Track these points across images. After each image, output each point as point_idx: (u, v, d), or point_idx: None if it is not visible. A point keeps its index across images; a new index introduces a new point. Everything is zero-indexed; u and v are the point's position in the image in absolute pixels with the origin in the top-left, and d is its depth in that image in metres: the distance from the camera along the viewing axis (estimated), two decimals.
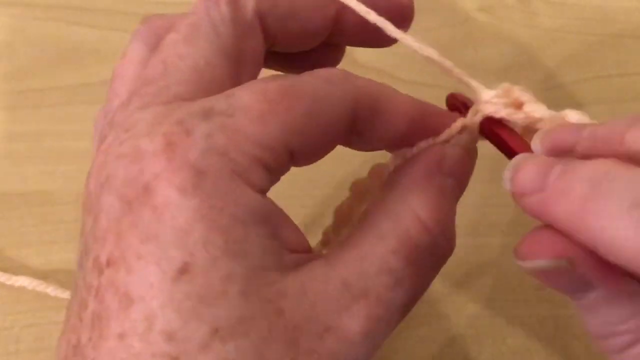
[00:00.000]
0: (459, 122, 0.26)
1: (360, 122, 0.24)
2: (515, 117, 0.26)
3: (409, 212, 0.24)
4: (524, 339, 0.38)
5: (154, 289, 0.20)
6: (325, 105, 0.23)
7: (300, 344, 0.21)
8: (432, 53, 0.27)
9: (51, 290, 0.38)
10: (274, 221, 0.22)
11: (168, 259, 0.20)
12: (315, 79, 0.23)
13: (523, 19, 0.50)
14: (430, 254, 0.24)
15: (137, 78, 0.25)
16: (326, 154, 0.24)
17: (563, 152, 0.23)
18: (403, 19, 0.28)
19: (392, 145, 0.26)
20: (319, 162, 0.24)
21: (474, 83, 0.27)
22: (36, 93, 0.45)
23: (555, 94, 0.46)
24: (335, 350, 0.21)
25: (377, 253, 0.23)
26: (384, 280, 0.23)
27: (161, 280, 0.20)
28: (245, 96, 0.22)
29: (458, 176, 0.25)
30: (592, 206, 0.21)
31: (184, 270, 0.20)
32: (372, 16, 0.26)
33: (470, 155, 0.26)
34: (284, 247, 0.22)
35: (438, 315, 0.38)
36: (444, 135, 0.26)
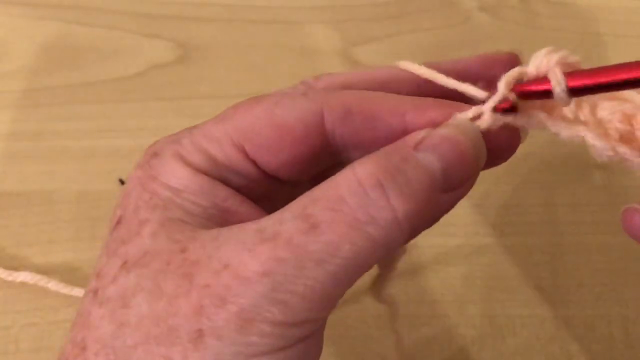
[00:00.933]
0: (473, 110, 0.24)
1: (333, 123, 0.24)
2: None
3: (348, 170, 0.22)
4: (524, 339, 0.38)
5: (104, 244, 0.24)
6: (285, 108, 0.24)
7: (195, 278, 0.22)
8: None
9: (52, 285, 0.38)
10: (216, 195, 0.24)
11: (113, 218, 0.25)
12: (285, 92, 0.25)
13: (524, 19, 0.50)
14: (361, 210, 0.21)
15: None
16: (302, 163, 0.24)
17: None
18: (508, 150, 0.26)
19: None
20: None
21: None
22: (36, 92, 0.45)
23: None
24: (228, 285, 0.21)
25: (300, 202, 0.22)
26: (297, 224, 0.21)
27: (107, 235, 0.24)
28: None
29: (440, 153, 0.23)
30: None
31: (118, 222, 0.24)
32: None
33: (468, 139, 0.23)
34: (229, 218, 0.24)
35: (438, 316, 0.38)
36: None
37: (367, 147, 0.24)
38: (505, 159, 0.26)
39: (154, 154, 0.25)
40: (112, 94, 0.45)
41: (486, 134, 0.24)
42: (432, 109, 0.24)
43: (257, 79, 0.46)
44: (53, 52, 0.47)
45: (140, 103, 0.45)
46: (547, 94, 0.24)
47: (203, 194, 0.24)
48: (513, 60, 0.27)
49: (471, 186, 0.24)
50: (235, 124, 0.24)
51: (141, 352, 0.22)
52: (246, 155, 0.24)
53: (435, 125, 0.24)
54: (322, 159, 0.25)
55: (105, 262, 0.24)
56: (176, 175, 0.24)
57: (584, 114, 0.24)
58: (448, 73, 0.25)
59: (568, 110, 0.24)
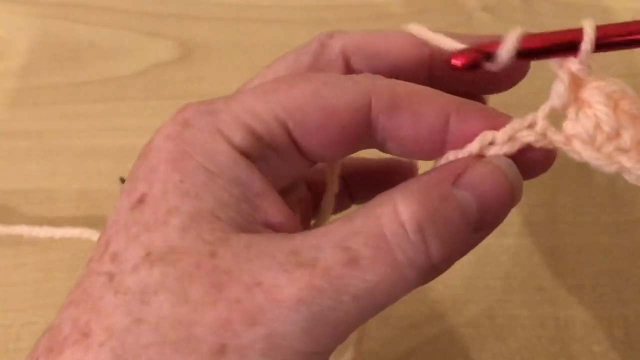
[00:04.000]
0: (494, 134, 0.23)
1: (380, 114, 0.23)
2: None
3: (388, 202, 0.22)
4: (524, 340, 0.38)
5: (118, 216, 0.22)
6: (333, 90, 0.23)
7: (225, 289, 0.21)
8: None
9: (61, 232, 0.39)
10: (250, 187, 0.23)
11: (134, 191, 0.22)
12: (331, 73, 0.24)
13: (526, 19, 0.49)
14: (401, 252, 0.21)
15: None
16: (343, 147, 0.24)
17: None
18: None
19: (428, 149, 0.24)
20: None
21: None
22: (37, 91, 0.45)
23: None
24: (261, 306, 0.20)
25: (339, 231, 0.22)
26: (337, 254, 0.21)
27: (124, 209, 0.22)
28: (262, 79, 0.24)
29: (478, 194, 0.22)
30: None
31: (141, 201, 0.22)
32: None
33: (505, 179, 0.23)
34: (256, 216, 0.23)
35: (439, 316, 0.38)
36: (475, 145, 0.23)
37: (403, 142, 0.24)
38: (537, 174, 0.25)
39: (184, 122, 0.23)
40: (113, 92, 0.45)
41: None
42: (475, 118, 0.24)
43: None
44: (54, 51, 0.47)
45: (141, 102, 0.45)
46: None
47: (238, 183, 0.22)
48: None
49: (499, 224, 0.24)
50: (280, 100, 0.23)
51: (153, 353, 0.20)
52: (289, 135, 0.23)
53: (475, 134, 0.23)
54: (359, 145, 0.24)
55: (124, 246, 0.22)
56: (216, 156, 0.22)
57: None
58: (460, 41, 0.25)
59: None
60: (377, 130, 0.24)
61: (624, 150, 0.23)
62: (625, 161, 0.23)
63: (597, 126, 0.23)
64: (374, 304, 0.22)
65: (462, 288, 0.39)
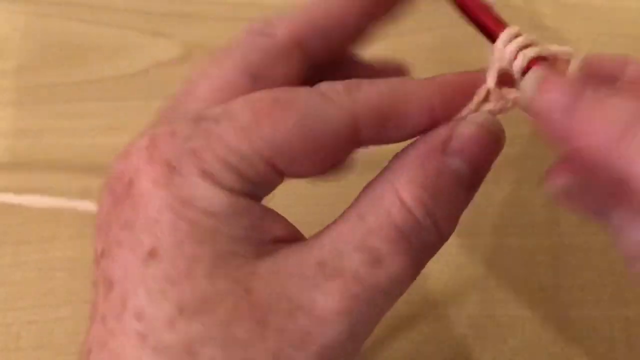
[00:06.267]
0: (482, 91, 0.24)
1: (368, 133, 0.23)
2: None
3: (391, 192, 0.23)
4: (525, 340, 0.38)
5: (128, 273, 0.22)
6: (317, 120, 0.23)
7: (269, 322, 0.21)
8: None
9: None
10: (252, 215, 0.23)
11: (140, 245, 0.22)
12: (310, 93, 0.23)
13: (528, 19, 0.49)
14: (416, 238, 0.23)
15: None
16: (331, 165, 0.24)
17: (603, 83, 0.23)
18: None
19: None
20: None
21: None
22: (39, 90, 0.45)
23: None
24: (306, 328, 0.21)
25: (354, 232, 0.22)
26: (361, 258, 0.22)
27: (134, 264, 0.22)
28: (237, 105, 0.23)
29: (469, 158, 0.23)
30: (623, 148, 0.20)
31: (153, 254, 0.21)
32: None
33: (490, 134, 0.24)
34: (265, 237, 0.23)
35: (439, 316, 0.38)
36: (464, 111, 0.24)
37: (387, 140, 0.24)
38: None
39: (169, 166, 0.22)
40: (115, 91, 0.45)
41: None
42: (457, 92, 0.25)
43: None
44: (56, 50, 0.47)
45: (143, 101, 0.45)
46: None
47: (242, 216, 0.22)
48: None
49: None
50: (264, 138, 0.22)
51: None
52: (275, 168, 0.23)
53: (458, 110, 0.24)
54: (345, 159, 0.25)
55: (148, 304, 0.21)
56: (213, 200, 0.22)
57: None
58: None
59: None
60: (364, 143, 0.24)
61: None
62: None
63: None
64: (401, 291, 0.23)
65: (462, 288, 0.39)
